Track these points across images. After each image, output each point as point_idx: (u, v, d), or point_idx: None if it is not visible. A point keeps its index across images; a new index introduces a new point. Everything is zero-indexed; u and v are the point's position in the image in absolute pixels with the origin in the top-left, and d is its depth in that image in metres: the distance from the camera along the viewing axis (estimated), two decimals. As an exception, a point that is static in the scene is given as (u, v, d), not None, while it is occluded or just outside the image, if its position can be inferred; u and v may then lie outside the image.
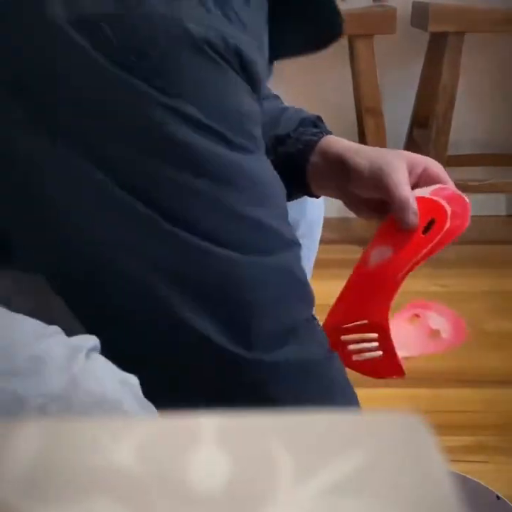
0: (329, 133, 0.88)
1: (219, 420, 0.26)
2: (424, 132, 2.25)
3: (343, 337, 0.78)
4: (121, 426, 0.27)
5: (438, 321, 0.81)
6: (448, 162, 2.21)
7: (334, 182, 0.83)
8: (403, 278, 0.74)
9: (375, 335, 0.76)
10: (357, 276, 0.79)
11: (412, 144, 2.41)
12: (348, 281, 0.80)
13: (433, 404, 1.49)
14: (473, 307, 1.88)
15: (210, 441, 0.25)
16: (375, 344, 0.77)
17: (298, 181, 0.84)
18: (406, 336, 0.78)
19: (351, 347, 0.78)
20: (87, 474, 0.24)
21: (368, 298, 0.77)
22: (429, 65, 2.30)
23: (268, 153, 0.86)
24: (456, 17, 2.10)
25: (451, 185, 0.80)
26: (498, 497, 0.93)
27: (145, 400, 0.58)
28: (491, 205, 2.59)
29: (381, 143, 2.23)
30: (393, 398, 1.48)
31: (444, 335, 0.82)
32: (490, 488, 0.94)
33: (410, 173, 0.79)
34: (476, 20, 2.11)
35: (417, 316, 0.88)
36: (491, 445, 1.38)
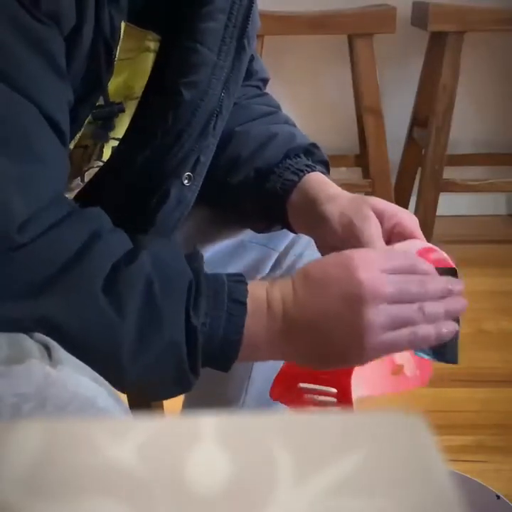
0: (322, 161, 0.86)
1: (219, 420, 0.26)
2: (424, 131, 2.25)
3: (301, 384, 0.74)
4: (121, 426, 0.27)
5: (404, 357, 0.76)
6: (448, 161, 2.21)
7: (310, 227, 0.81)
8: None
9: (334, 390, 0.73)
10: None
11: (411, 144, 2.41)
12: None
13: (433, 404, 1.49)
14: (472, 307, 1.87)
15: (210, 441, 0.25)
16: (333, 400, 0.73)
17: (278, 217, 0.84)
18: (368, 371, 0.74)
19: (308, 396, 0.74)
20: (88, 474, 0.24)
21: None
22: (429, 65, 2.30)
23: (249, 186, 0.85)
24: (456, 16, 2.10)
25: (424, 242, 0.75)
26: (497, 496, 0.93)
27: (118, 397, 0.58)
28: (491, 204, 2.58)
29: (381, 142, 2.23)
30: (392, 398, 1.48)
31: (408, 372, 0.77)
32: (490, 487, 0.94)
33: (381, 224, 0.75)
34: (476, 20, 2.11)
35: None
36: (491, 445, 1.38)
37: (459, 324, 0.69)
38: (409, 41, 2.41)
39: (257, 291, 0.64)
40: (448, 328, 0.66)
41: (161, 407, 1.21)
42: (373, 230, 0.73)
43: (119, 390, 0.63)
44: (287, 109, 0.97)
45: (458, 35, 2.11)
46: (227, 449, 0.25)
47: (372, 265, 0.63)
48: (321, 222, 0.77)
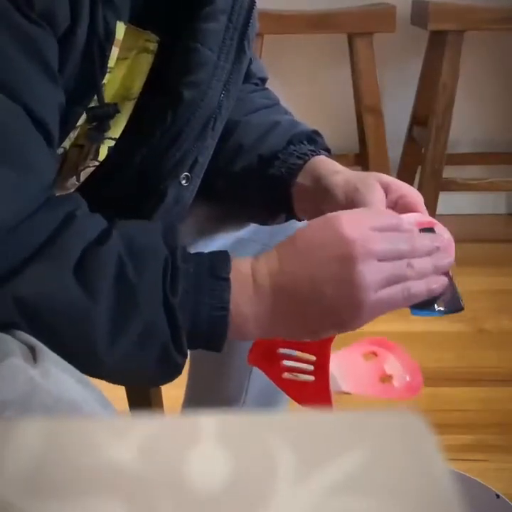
0: (325, 149, 0.85)
1: (219, 419, 0.26)
2: (424, 131, 2.25)
3: (280, 350, 0.74)
4: (121, 425, 0.27)
5: (395, 366, 0.76)
6: (447, 160, 2.21)
7: (315, 204, 0.80)
8: None
9: (313, 358, 0.72)
10: None
11: (411, 143, 2.41)
12: None
13: (433, 403, 1.49)
14: (472, 306, 1.87)
15: (211, 441, 0.25)
16: (311, 367, 0.72)
17: (283, 204, 0.83)
18: (355, 371, 0.73)
19: (286, 363, 0.74)
20: (88, 473, 0.24)
21: None
22: (428, 64, 2.30)
23: (253, 172, 0.85)
24: (455, 15, 2.10)
25: (426, 216, 0.74)
26: (497, 496, 0.93)
27: (105, 399, 0.58)
28: (491, 203, 2.58)
29: (381, 141, 2.23)
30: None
31: (396, 384, 0.76)
32: (490, 486, 0.94)
33: (386, 196, 0.75)
34: (475, 19, 2.11)
35: (375, 354, 0.82)
36: (491, 444, 1.39)
37: (450, 276, 0.69)
38: (408, 40, 2.41)
39: (240, 266, 0.63)
40: (438, 282, 0.66)
41: (161, 406, 1.21)
42: (377, 197, 0.73)
43: (111, 381, 0.62)
44: (286, 108, 0.97)
45: (458, 34, 2.11)
46: (227, 448, 0.25)
47: (360, 224, 0.63)
48: (326, 193, 0.76)
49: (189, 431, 0.26)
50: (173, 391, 1.13)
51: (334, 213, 0.65)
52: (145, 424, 0.27)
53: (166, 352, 0.60)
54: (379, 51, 2.19)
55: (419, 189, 2.21)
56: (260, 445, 0.25)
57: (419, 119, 2.36)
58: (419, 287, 0.65)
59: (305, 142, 0.84)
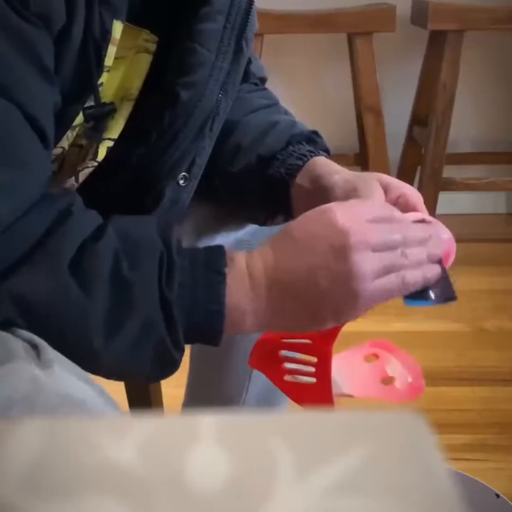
0: (324, 149, 0.85)
1: (219, 419, 0.26)
2: (424, 130, 2.25)
3: (282, 352, 0.74)
4: (121, 425, 0.27)
5: (396, 368, 0.75)
6: (447, 160, 2.21)
7: (314, 205, 0.80)
8: None
9: (314, 359, 0.72)
10: None
11: (411, 142, 2.41)
12: None
13: (433, 403, 1.49)
14: (472, 305, 1.88)
15: (210, 440, 0.25)
16: (312, 369, 0.72)
17: (281, 205, 0.83)
18: (357, 373, 0.72)
19: (287, 365, 0.74)
20: (88, 473, 0.24)
21: None
22: (428, 63, 2.30)
23: (252, 173, 0.85)
24: (455, 15, 2.10)
25: (426, 215, 0.74)
26: (497, 495, 0.93)
27: (109, 397, 0.58)
28: (491, 203, 2.58)
29: (381, 141, 2.23)
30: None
31: (398, 385, 0.76)
32: (489, 486, 0.94)
33: (385, 195, 0.75)
34: (475, 18, 2.11)
35: (376, 356, 0.81)
36: (491, 443, 1.39)
37: (442, 265, 0.69)
38: (408, 40, 2.41)
39: (236, 261, 0.64)
40: (432, 271, 0.67)
41: (161, 406, 1.21)
42: (377, 197, 0.73)
43: (109, 377, 0.62)
44: (287, 108, 0.97)
45: (458, 33, 2.10)
46: (227, 448, 0.25)
47: (355, 215, 0.64)
48: (325, 193, 0.76)
49: (189, 431, 0.26)
50: (173, 391, 1.13)
51: (328, 205, 0.65)
52: (145, 424, 0.27)
53: (163, 347, 0.60)
54: (379, 51, 2.19)
55: (419, 189, 2.21)
56: (260, 445, 0.25)
57: (419, 119, 2.36)
58: (415, 276, 0.65)
59: (304, 143, 0.84)
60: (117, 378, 0.69)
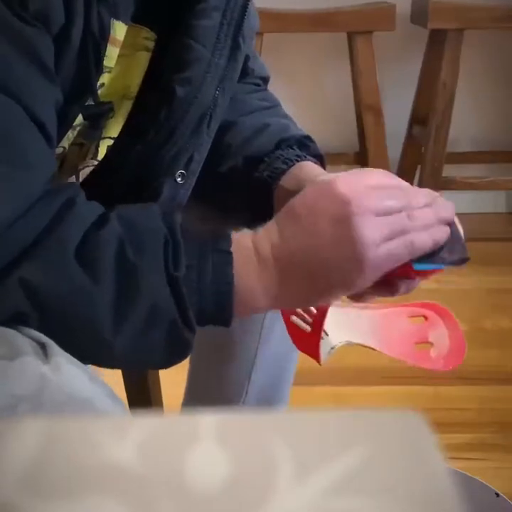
0: (317, 155, 0.85)
1: (219, 419, 0.26)
2: (424, 129, 2.25)
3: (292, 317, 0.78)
4: (121, 425, 0.27)
5: (440, 336, 0.74)
6: (447, 159, 2.21)
7: None
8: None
9: (314, 311, 0.75)
10: None
11: (411, 141, 2.41)
12: None
13: (432, 402, 1.49)
14: (472, 305, 1.88)
15: (210, 440, 0.25)
16: (310, 319, 0.76)
17: (266, 208, 0.82)
18: (394, 330, 0.72)
19: (293, 318, 0.78)
20: (88, 472, 0.24)
21: None
22: (428, 62, 2.30)
23: (238, 174, 0.85)
24: (455, 14, 2.10)
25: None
26: (497, 494, 0.93)
27: (116, 396, 0.58)
28: (491, 202, 2.58)
29: (381, 140, 2.23)
30: (393, 396, 1.48)
31: (433, 354, 0.76)
32: (489, 485, 0.94)
33: None
34: (475, 17, 2.11)
35: (425, 318, 0.81)
36: (490, 443, 1.39)
37: (455, 226, 0.68)
38: (408, 39, 2.41)
39: (242, 240, 0.64)
40: (441, 232, 0.66)
41: (161, 405, 1.21)
42: None
43: (122, 367, 0.62)
44: (287, 107, 0.97)
45: (457, 32, 2.10)
46: (227, 447, 0.25)
47: (355, 183, 0.63)
48: None
49: (189, 430, 0.26)
50: (173, 390, 1.13)
51: (326, 179, 0.65)
52: (145, 423, 0.27)
53: (174, 328, 0.60)
54: (379, 50, 2.18)
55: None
56: (260, 445, 0.25)
57: (419, 118, 2.36)
58: (423, 238, 0.64)
59: (294, 147, 0.84)
60: (130, 366, 0.69)
